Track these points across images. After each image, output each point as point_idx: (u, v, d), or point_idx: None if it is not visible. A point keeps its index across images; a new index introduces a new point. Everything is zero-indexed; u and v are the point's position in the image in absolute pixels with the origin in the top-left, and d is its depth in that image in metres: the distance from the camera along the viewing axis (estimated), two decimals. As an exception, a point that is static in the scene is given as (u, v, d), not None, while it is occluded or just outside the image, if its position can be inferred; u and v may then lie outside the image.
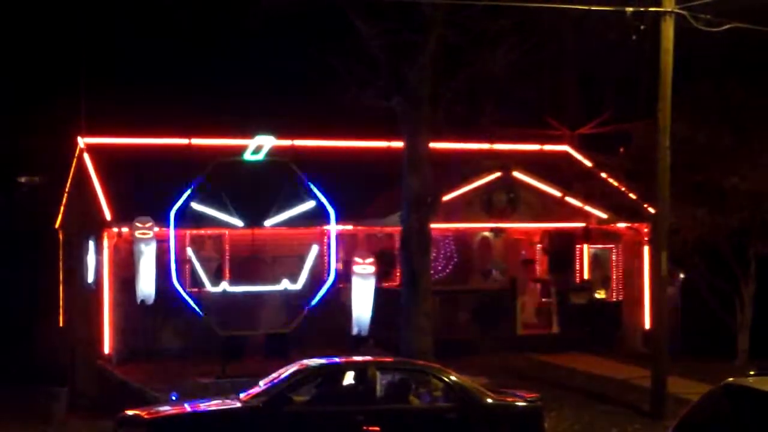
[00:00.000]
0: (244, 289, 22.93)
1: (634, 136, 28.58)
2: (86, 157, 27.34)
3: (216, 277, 24.80)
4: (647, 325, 27.12)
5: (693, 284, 27.42)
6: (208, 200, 22.66)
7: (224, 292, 22.30)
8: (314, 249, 22.99)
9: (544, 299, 28.19)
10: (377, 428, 15.07)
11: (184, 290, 22.31)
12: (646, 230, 27.82)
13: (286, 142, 27.03)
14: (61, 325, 31.04)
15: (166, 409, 15.96)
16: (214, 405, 15.81)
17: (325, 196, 23.20)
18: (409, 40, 22.47)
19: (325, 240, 24.54)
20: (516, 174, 27.13)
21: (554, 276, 28.19)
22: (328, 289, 23.05)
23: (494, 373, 22.83)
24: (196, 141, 27.95)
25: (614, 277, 29.06)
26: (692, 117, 24.57)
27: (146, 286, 23.18)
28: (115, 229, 24.98)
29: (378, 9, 22.22)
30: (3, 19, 37.03)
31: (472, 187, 26.77)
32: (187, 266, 24.08)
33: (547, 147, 31.97)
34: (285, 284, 22.64)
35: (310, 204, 23.20)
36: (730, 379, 11.01)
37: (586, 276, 28.34)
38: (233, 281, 23.55)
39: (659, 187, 20.53)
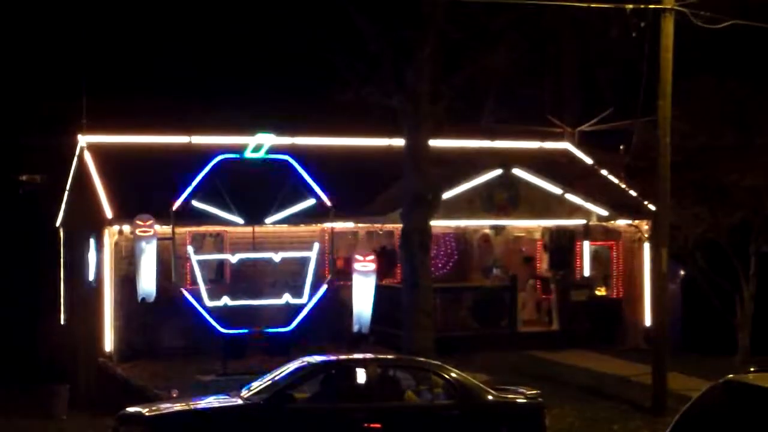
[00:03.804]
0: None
1: (634, 134, 28.59)
2: (87, 155, 27.36)
3: (217, 275, 24.86)
4: (648, 322, 27.14)
5: (693, 281, 27.44)
6: (208, 198, 22.67)
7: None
8: (314, 256, 22.90)
9: (544, 296, 28.20)
10: (378, 425, 15.09)
11: (185, 288, 22.31)
12: (646, 227, 27.86)
13: (286, 140, 27.06)
14: (62, 323, 31.07)
15: (167, 406, 15.98)
16: (215, 402, 15.81)
17: (326, 194, 23.20)
18: (409, 38, 22.48)
19: (326, 237, 24.54)
20: (516, 171, 27.14)
21: (555, 273, 28.20)
22: (329, 287, 23.04)
23: (495, 370, 22.86)
24: (197, 139, 27.97)
25: (615, 274, 29.07)
26: (693, 114, 24.59)
27: (147, 284, 23.19)
28: (116, 227, 25.01)
29: (378, 6, 22.23)
30: (4, 18, 37.04)
31: (472, 185, 26.77)
32: (188, 264, 24.07)
33: (548, 144, 31.99)
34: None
35: (310, 202, 23.20)
36: (731, 375, 11.02)
37: (586, 273, 28.34)
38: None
39: (660, 184, 20.54)
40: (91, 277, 26.90)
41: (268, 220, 23.37)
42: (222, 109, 33.03)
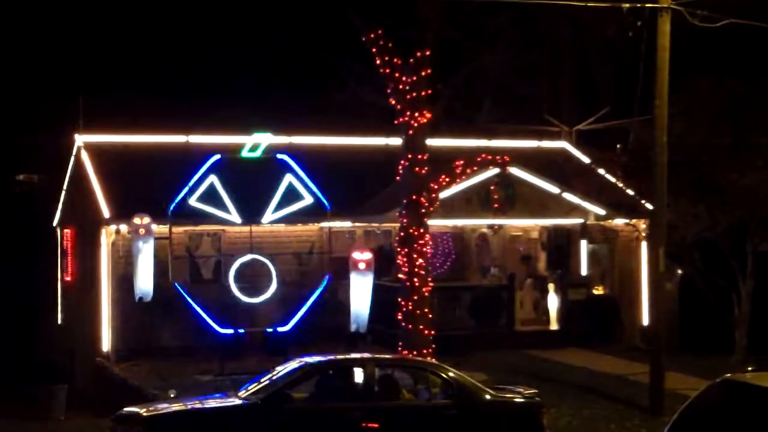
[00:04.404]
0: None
1: (631, 133, 28.63)
2: (84, 154, 27.35)
3: (214, 275, 24.85)
4: (645, 321, 27.15)
5: (691, 280, 27.45)
6: (206, 198, 22.66)
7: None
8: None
9: (541, 295, 28.19)
10: (376, 425, 15.07)
11: (182, 287, 22.31)
12: (644, 226, 27.86)
13: (283, 139, 27.05)
14: (59, 323, 31.03)
15: (164, 406, 15.96)
16: (213, 402, 15.80)
17: (323, 193, 23.20)
18: (406, 38, 22.46)
19: (323, 237, 24.55)
20: (514, 170, 27.12)
21: (552, 272, 28.20)
22: (326, 287, 23.04)
23: (493, 369, 22.86)
24: (194, 138, 27.97)
25: (612, 273, 29.07)
26: (689, 113, 24.59)
27: (144, 283, 23.19)
28: (113, 227, 24.99)
29: (375, 6, 22.22)
30: (2, 17, 37.02)
31: (470, 184, 26.75)
32: (185, 263, 24.08)
33: (545, 143, 32.00)
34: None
35: (308, 201, 23.20)
36: (728, 374, 11.03)
37: (584, 272, 28.36)
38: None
39: (656, 183, 20.53)
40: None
41: (266, 219, 23.36)
42: (219, 108, 33.02)
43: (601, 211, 27.68)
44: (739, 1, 21.31)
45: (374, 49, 22.52)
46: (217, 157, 22.88)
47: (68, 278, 30.02)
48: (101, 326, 25.02)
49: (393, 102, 22.93)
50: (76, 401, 24.39)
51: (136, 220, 23.14)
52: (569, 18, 29.26)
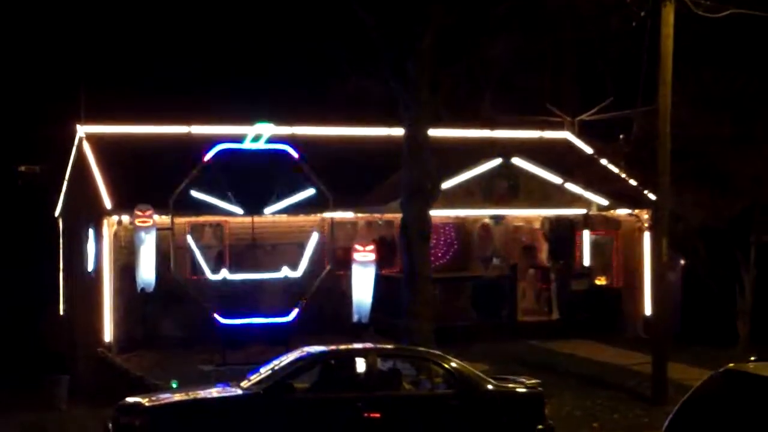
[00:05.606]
0: (245, 277, 22.89)
1: (634, 123, 28.55)
2: (86, 145, 27.33)
3: (216, 265, 24.81)
4: (648, 312, 27.12)
5: (694, 270, 27.41)
6: (207, 188, 22.63)
7: (224, 280, 22.24)
8: (314, 236, 22.94)
9: (544, 286, 28.18)
10: (378, 415, 15.07)
11: (184, 278, 22.29)
12: (646, 216, 27.82)
13: (285, 130, 27.02)
14: (61, 313, 31.06)
15: (166, 396, 15.96)
16: (214, 392, 15.78)
17: (325, 184, 23.16)
18: (409, 28, 22.42)
19: (325, 227, 24.51)
20: (516, 161, 27.10)
21: (554, 262, 28.17)
22: (328, 277, 23.02)
23: (495, 359, 22.85)
24: (196, 129, 27.95)
25: (615, 263, 29.05)
26: (693, 103, 24.53)
27: (146, 273, 23.18)
28: (115, 217, 24.98)
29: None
30: (4, 9, 36.99)
31: (472, 174, 26.73)
32: (187, 254, 24.07)
33: (548, 134, 31.96)
34: (285, 272, 22.61)
35: (309, 191, 23.17)
36: (731, 364, 11.01)
37: (586, 262, 28.33)
38: (234, 269, 23.43)
39: (660, 173, 20.50)
40: (90, 267, 26.89)
41: (268, 210, 23.33)
42: (221, 98, 32.98)
43: (604, 202, 27.65)
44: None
45: (377, 40, 22.48)
46: (219, 147, 22.84)
47: (70, 269, 30.05)
48: (103, 317, 25.03)
49: (395, 92, 22.91)
50: (78, 392, 24.41)
51: (138, 211, 23.12)
52: (572, 7, 29.13)
